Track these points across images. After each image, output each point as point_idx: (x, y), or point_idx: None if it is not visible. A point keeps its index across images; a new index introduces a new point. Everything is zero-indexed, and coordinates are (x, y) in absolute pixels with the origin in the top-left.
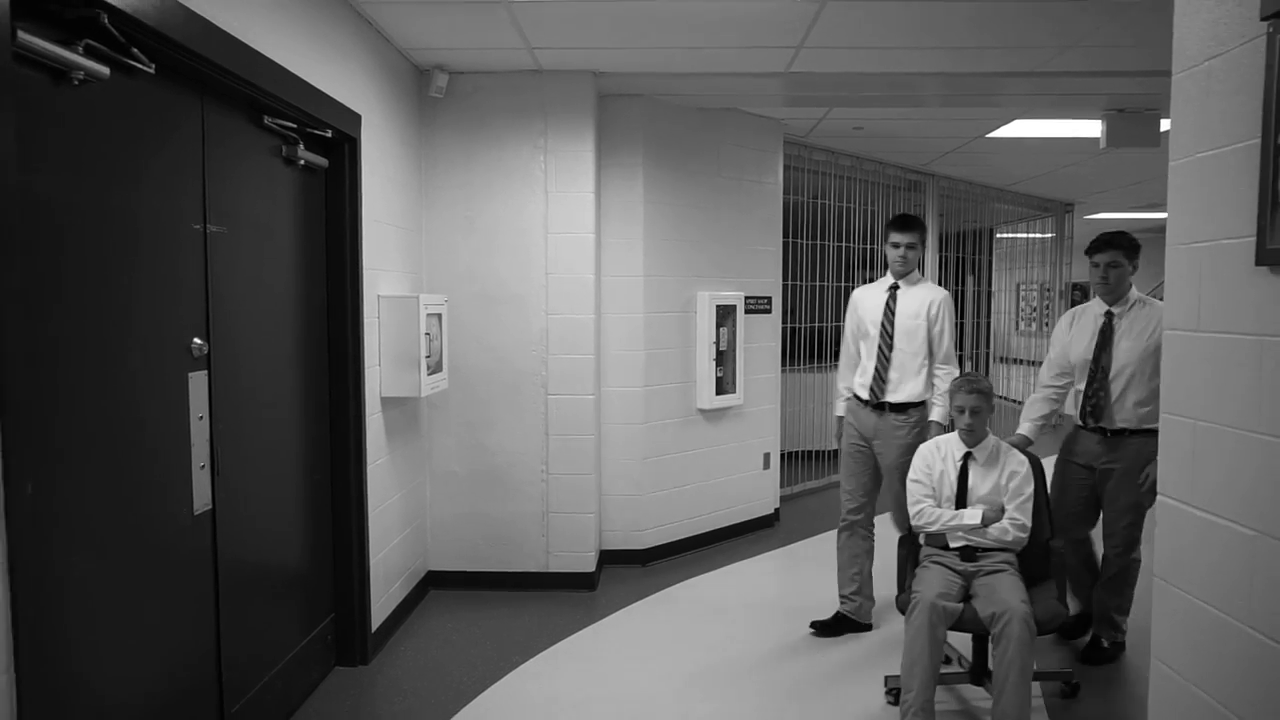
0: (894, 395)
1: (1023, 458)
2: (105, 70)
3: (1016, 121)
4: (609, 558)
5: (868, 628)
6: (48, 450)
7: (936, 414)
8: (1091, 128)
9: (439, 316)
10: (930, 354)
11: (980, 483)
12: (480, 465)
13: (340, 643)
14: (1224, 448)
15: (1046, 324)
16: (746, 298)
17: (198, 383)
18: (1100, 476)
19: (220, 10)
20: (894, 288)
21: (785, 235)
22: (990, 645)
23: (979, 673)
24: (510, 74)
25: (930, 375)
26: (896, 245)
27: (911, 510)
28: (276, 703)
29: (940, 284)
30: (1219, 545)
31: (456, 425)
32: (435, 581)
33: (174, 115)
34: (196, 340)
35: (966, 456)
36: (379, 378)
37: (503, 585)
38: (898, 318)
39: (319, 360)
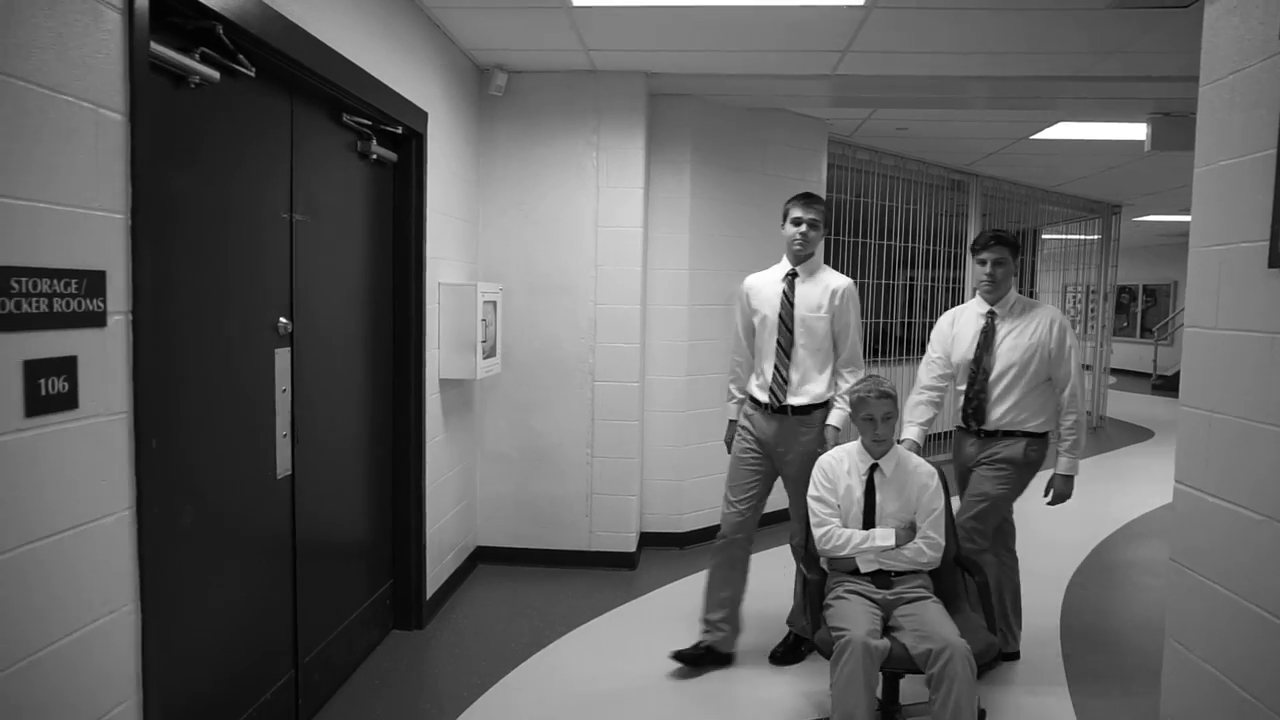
0: (796, 397)
1: (931, 469)
2: (216, 74)
3: (1061, 124)
4: (648, 539)
5: (729, 659)
6: (168, 412)
7: (835, 418)
8: (1137, 131)
9: (494, 304)
10: (835, 350)
11: (889, 498)
12: (529, 446)
13: (398, 607)
14: (1236, 438)
15: (1092, 327)
16: None
17: (282, 358)
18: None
19: (311, 16)
20: (792, 275)
21: (828, 232)
22: (927, 685)
23: (890, 712)
24: (566, 73)
25: (834, 374)
26: (798, 222)
27: (817, 532)
28: (342, 657)
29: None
30: (1230, 530)
31: (507, 408)
32: (483, 556)
33: (268, 114)
34: (282, 319)
35: (873, 469)
36: (438, 360)
37: (547, 562)
38: (797, 309)
39: (385, 342)
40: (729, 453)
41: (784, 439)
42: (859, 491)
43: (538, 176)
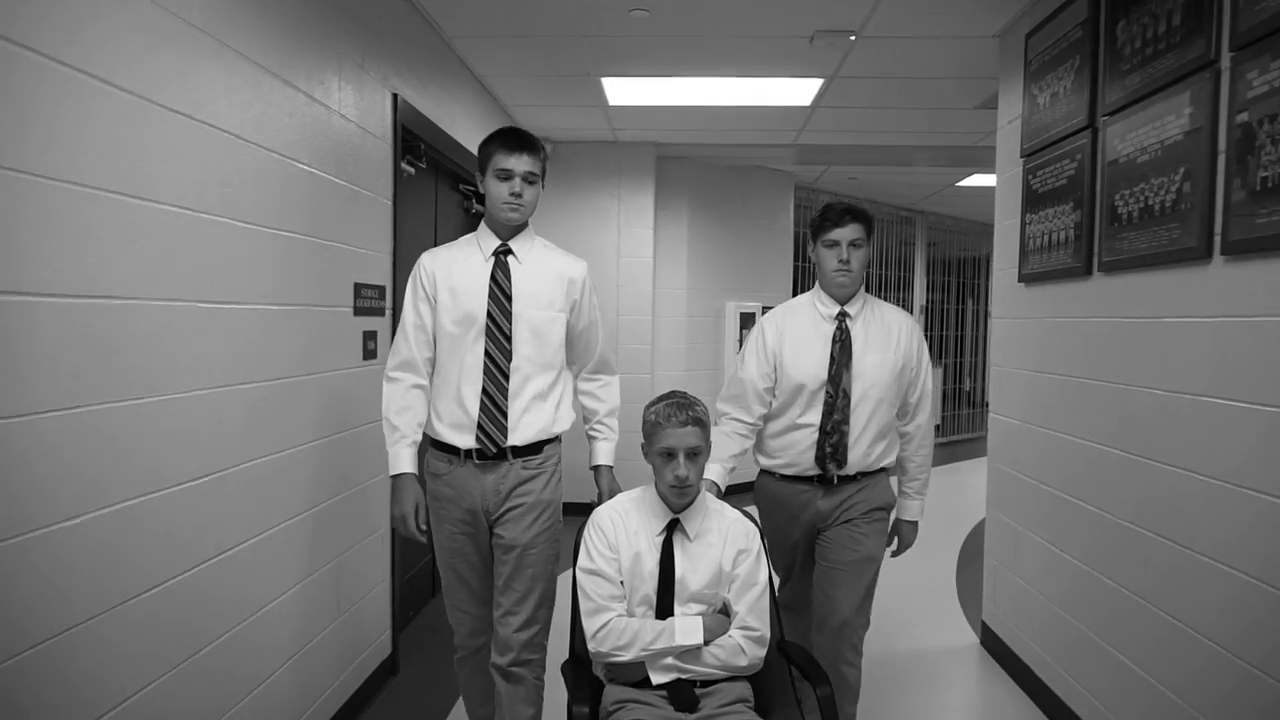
0: (518, 433)
1: (749, 525)
2: (414, 170)
3: (976, 175)
4: None
5: None
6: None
7: (604, 453)
8: None
9: None
10: (573, 359)
11: (693, 569)
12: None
13: None
14: (1012, 381)
15: None
16: (763, 306)
17: None
18: (816, 535)
19: (450, 122)
20: (503, 252)
21: (796, 259)
22: None
23: None
24: (596, 144)
25: (571, 394)
26: (507, 175)
27: (589, 624)
28: None
29: (921, 310)
30: (1014, 435)
31: None
32: None
33: (427, 190)
34: None
35: (671, 528)
36: None
37: (579, 514)
38: (517, 304)
39: None
40: (409, 530)
41: (502, 495)
42: (652, 562)
43: (575, 220)
